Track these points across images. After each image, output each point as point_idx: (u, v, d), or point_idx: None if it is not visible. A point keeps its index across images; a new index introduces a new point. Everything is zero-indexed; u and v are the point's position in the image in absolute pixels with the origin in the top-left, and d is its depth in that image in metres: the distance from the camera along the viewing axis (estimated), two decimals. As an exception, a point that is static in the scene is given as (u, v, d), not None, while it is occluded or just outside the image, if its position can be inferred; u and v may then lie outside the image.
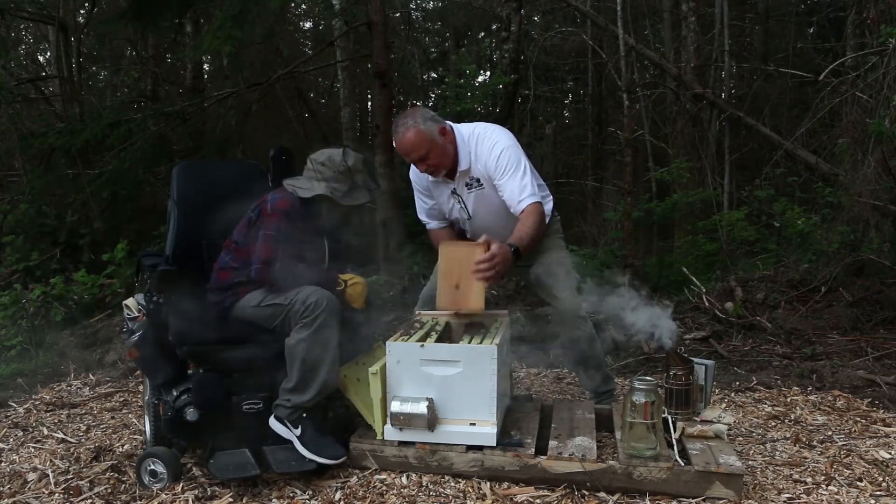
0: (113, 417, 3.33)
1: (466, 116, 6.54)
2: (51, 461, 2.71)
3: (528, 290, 2.99)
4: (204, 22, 7.83)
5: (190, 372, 2.67)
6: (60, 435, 3.04)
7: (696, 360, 2.65)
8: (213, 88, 8.55)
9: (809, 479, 2.38)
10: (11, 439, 3.02)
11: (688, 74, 7.64)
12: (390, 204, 5.96)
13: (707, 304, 4.92)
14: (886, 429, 2.90)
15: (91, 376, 4.09)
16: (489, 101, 7.56)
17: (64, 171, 6.46)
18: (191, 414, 2.45)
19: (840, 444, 2.73)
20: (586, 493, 2.27)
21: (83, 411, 3.44)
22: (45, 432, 3.09)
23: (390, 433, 2.45)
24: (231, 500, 2.29)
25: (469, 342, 2.51)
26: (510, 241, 2.56)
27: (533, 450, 2.38)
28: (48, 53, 10.48)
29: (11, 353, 4.53)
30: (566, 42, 10.34)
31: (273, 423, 2.50)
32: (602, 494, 2.26)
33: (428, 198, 3.00)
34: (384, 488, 2.34)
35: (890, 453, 2.61)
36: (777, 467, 2.49)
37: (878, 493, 2.29)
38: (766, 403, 3.30)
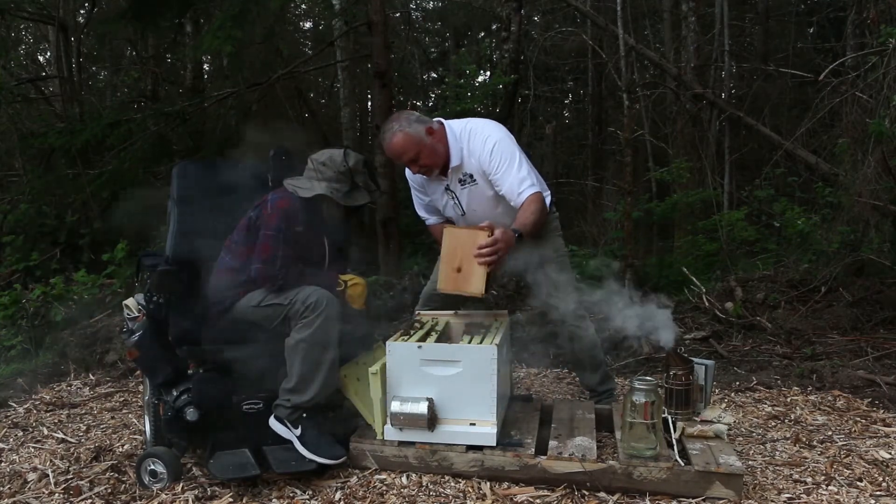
0: (113, 417, 3.33)
1: (466, 116, 6.52)
2: (51, 461, 2.71)
3: (528, 290, 2.98)
4: (204, 22, 7.83)
5: (190, 372, 2.67)
6: (60, 435, 3.04)
7: (696, 360, 2.65)
8: (213, 88, 8.56)
9: (809, 479, 2.38)
10: (11, 439, 3.02)
11: (688, 74, 7.63)
12: (390, 204, 5.96)
13: (707, 304, 4.92)
14: (886, 429, 2.90)
15: (91, 376, 4.09)
16: (489, 101, 7.55)
17: (64, 171, 6.46)
18: (191, 414, 2.45)
19: (840, 444, 2.73)
20: (586, 493, 2.27)
21: (83, 411, 3.44)
22: (45, 432, 3.09)
23: (390, 433, 2.45)
24: (231, 500, 2.29)
25: (469, 342, 2.51)
26: (514, 226, 2.57)
27: (533, 450, 2.38)
28: (48, 53, 10.49)
29: (11, 353, 4.52)
30: (566, 42, 10.34)
31: (273, 423, 2.50)
32: (602, 494, 2.26)
33: (423, 194, 3.01)
34: (384, 488, 2.34)
35: (890, 453, 2.61)
36: (777, 467, 2.49)
37: (878, 493, 2.29)
38: (766, 403, 3.30)
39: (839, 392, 3.41)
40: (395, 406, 2.41)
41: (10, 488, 2.47)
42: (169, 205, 2.80)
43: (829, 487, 2.32)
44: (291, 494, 2.33)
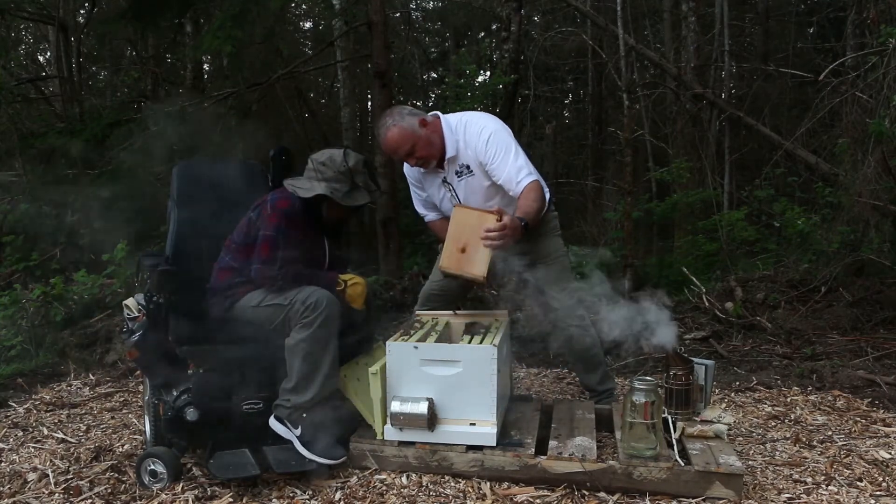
0: (113, 417, 3.33)
1: (466, 115, 6.52)
2: (51, 461, 2.71)
3: (528, 290, 2.98)
4: (204, 22, 7.84)
5: (190, 372, 2.66)
6: (60, 435, 3.04)
7: (696, 360, 2.65)
8: (213, 88, 8.56)
9: (809, 479, 2.38)
10: (11, 439, 3.02)
11: (688, 74, 7.63)
12: (390, 204, 5.97)
13: (707, 304, 4.92)
14: (886, 429, 2.90)
15: (91, 376, 4.09)
16: (489, 101, 7.55)
17: (64, 171, 6.46)
18: (191, 414, 2.45)
19: (840, 444, 2.73)
20: (586, 493, 2.28)
21: (83, 411, 3.44)
22: (45, 432, 3.09)
23: (390, 433, 2.45)
24: (231, 500, 2.29)
25: (469, 342, 2.51)
26: (518, 215, 2.57)
27: (533, 450, 2.38)
28: (48, 53, 10.49)
29: (11, 353, 4.52)
30: (566, 42, 10.34)
31: (273, 423, 2.50)
32: (602, 494, 2.26)
33: (421, 190, 3.02)
34: (384, 488, 2.34)
35: (890, 453, 2.61)
36: (777, 467, 2.50)
37: (878, 493, 2.29)
38: (766, 403, 3.30)
39: (839, 392, 3.41)
40: (395, 406, 2.41)
41: (10, 488, 2.47)
42: (169, 205, 2.80)
43: (829, 487, 2.32)
44: (291, 494, 2.33)
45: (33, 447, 2.91)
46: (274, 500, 2.30)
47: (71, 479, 2.52)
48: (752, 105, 8.26)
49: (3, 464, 2.73)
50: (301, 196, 2.53)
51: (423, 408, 2.38)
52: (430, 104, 12.60)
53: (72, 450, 2.83)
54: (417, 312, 2.95)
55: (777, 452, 2.65)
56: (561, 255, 2.96)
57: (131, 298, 2.75)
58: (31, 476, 2.56)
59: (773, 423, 3.01)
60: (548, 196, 2.86)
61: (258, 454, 2.46)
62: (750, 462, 2.54)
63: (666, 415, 2.49)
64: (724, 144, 7.85)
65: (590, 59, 10.67)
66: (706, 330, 4.56)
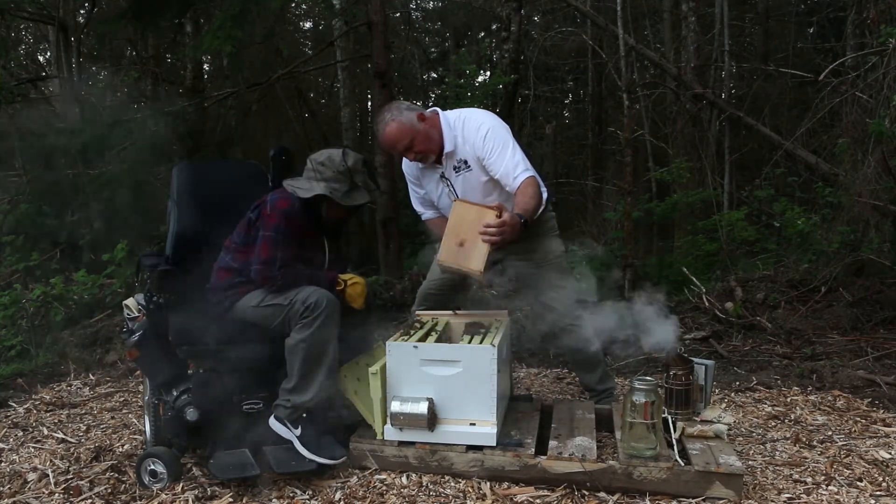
0: (113, 417, 3.33)
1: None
2: (51, 461, 2.71)
3: (527, 290, 2.99)
4: (204, 22, 7.84)
5: (190, 372, 2.67)
6: (60, 435, 3.04)
7: (696, 360, 2.65)
8: (213, 88, 8.56)
9: (809, 479, 2.39)
10: (11, 439, 3.02)
11: (688, 74, 7.63)
12: (390, 204, 5.97)
13: (707, 304, 4.92)
14: (886, 429, 2.90)
15: (91, 376, 4.09)
16: (489, 101, 7.55)
17: (64, 171, 6.46)
18: (191, 414, 2.45)
19: (840, 444, 2.73)
20: (586, 493, 2.28)
21: (83, 411, 3.44)
22: (45, 432, 3.10)
23: (390, 433, 2.45)
24: (231, 499, 2.29)
25: (469, 342, 2.51)
26: (517, 212, 2.58)
27: (533, 450, 2.38)
28: (48, 53, 10.49)
29: (11, 353, 4.53)
30: (566, 42, 10.34)
31: (273, 423, 2.50)
32: (602, 494, 2.26)
33: (419, 187, 3.03)
34: (384, 488, 2.34)
35: (890, 453, 2.61)
36: (777, 467, 2.50)
37: (878, 493, 2.29)
38: (766, 403, 3.30)
39: (839, 392, 3.41)
40: (395, 406, 2.41)
41: (10, 488, 2.47)
42: (169, 205, 2.80)
43: (829, 487, 2.32)
44: (291, 494, 2.33)
45: (33, 447, 2.91)
46: (274, 500, 2.30)
47: (71, 479, 2.52)
48: (752, 105, 8.26)
49: (3, 464, 2.73)
50: (301, 196, 2.53)
51: (423, 408, 2.38)
52: (430, 104, 12.55)
53: (72, 450, 2.83)
54: (417, 312, 2.95)
55: (777, 452, 2.65)
56: (559, 256, 2.97)
57: (131, 298, 2.75)
58: (31, 476, 2.56)
59: (773, 423, 3.01)
60: (545, 195, 2.87)
61: (258, 454, 2.46)
62: (750, 462, 2.54)
63: (666, 415, 2.49)
64: (724, 144, 7.85)
65: (590, 59, 10.68)
66: (706, 330, 4.56)
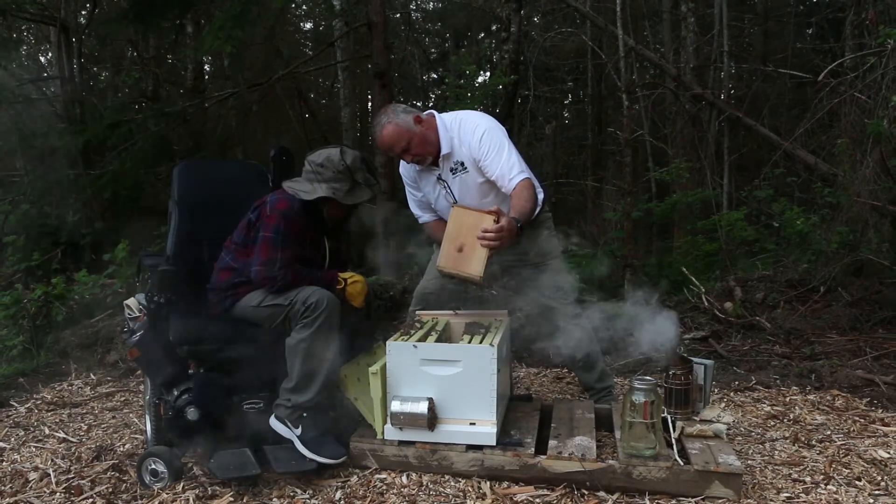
0: (114, 417, 3.34)
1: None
2: (52, 461, 2.72)
3: (525, 290, 2.99)
4: (205, 22, 7.85)
5: (190, 372, 2.67)
6: (62, 434, 3.05)
7: (695, 359, 2.66)
8: (214, 89, 8.58)
9: (808, 479, 2.39)
10: (13, 439, 3.03)
11: (687, 75, 7.64)
12: (390, 204, 5.97)
13: (706, 303, 4.92)
14: (885, 428, 2.91)
15: (92, 376, 4.10)
16: (489, 101, 7.56)
17: (65, 171, 6.48)
18: (191, 413, 2.46)
19: (839, 443, 2.73)
20: (586, 492, 2.28)
21: (84, 411, 3.45)
22: (47, 432, 3.10)
23: (390, 433, 2.46)
24: (231, 499, 2.30)
25: (469, 342, 2.52)
26: (512, 215, 2.60)
27: (533, 449, 2.39)
28: (49, 54, 10.50)
29: (13, 353, 4.54)
30: (566, 42, 10.35)
31: (273, 422, 2.51)
32: (602, 494, 2.27)
33: (416, 190, 3.04)
34: (384, 488, 2.35)
35: (888, 453, 2.62)
36: (776, 466, 2.50)
37: (876, 492, 2.29)
38: (765, 403, 3.30)
39: (838, 392, 3.42)
40: (396, 406, 2.42)
41: (11, 488, 2.48)
42: (170, 205, 2.81)
43: (828, 487, 2.33)
44: (292, 494, 2.34)
45: (35, 447, 2.92)
46: (274, 499, 2.31)
47: (72, 478, 2.52)
48: (752, 105, 8.27)
49: (4, 463, 2.74)
50: (304, 199, 2.54)
51: (423, 407, 2.39)
52: (430, 105, 12.61)
53: (73, 449, 2.84)
54: (416, 312, 2.96)
55: (776, 452, 2.66)
56: (557, 256, 2.98)
57: (132, 298, 2.76)
58: (33, 475, 2.57)
59: (772, 423, 3.01)
60: (541, 196, 2.88)
61: (259, 454, 2.47)
62: (749, 461, 2.55)
63: (665, 414, 2.50)
64: (724, 145, 7.85)
65: (589, 59, 10.68)
66: (705, 330, 4.56)
